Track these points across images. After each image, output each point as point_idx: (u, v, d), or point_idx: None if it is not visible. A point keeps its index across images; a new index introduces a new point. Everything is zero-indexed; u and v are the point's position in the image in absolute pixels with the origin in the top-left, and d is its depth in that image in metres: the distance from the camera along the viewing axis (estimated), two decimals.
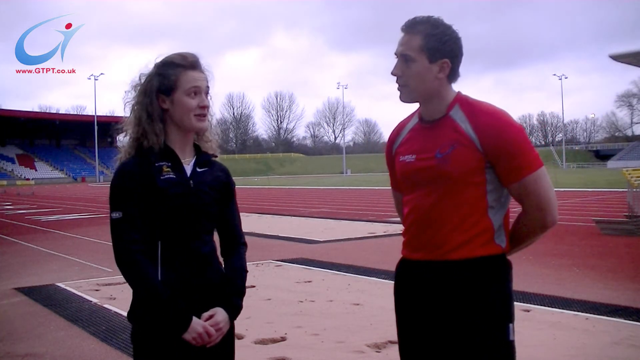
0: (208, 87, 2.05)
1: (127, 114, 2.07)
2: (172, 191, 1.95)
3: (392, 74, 1.97)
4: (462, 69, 1.98)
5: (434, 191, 1.92)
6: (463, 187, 1.88)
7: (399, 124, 2.15)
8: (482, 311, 1.85)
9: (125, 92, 2.08)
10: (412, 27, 1.93)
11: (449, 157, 1.88)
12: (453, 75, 1.96)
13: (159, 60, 2.04)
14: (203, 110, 2.01)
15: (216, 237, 2.13)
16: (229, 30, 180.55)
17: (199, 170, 2.05)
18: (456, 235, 1.88)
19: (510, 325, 1.88)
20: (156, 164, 1.97)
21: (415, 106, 2.07)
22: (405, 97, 1.98)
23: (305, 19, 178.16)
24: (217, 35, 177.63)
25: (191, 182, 2.01)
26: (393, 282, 2.13)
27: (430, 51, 1.90)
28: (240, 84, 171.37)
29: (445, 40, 1.91)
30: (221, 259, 2.13)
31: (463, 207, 1.88)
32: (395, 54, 1.97)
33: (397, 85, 1.98)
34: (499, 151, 1.84)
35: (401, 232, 2.13)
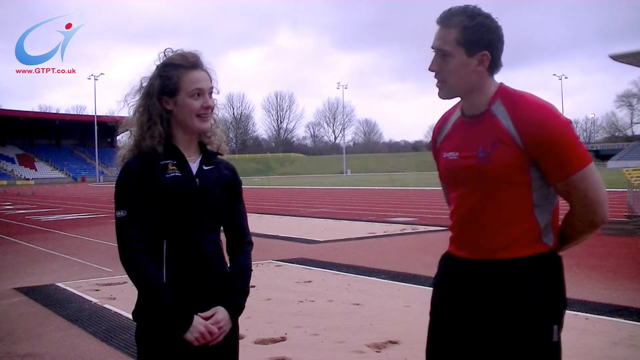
0: (212, 87, 2.04)
1: (127, 115, 2.08)
2: (177, 189, 1.96)
3: (429, 69, 1.89)
4: None
5: (476, 190, 1.85)
6: (506, 186, 1.81)
7: (443, 115, 2.08)
8: (522, 310, 1.78)
9: (126, 95, 2.08)
10: (448, 19, 1.84)
11: (490, 156, 1.80)
12: (494, 66, 1.86)
13: (159, 61, 2.05)
14: (206, 112, 2.01)
15: (222, 236, 2.13)
16: (232, 30, 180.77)
17: (205, 168, 2.06)
18: (500, 236, 1.82)
19: (555, 326, 1.80)
20: (161, 162, 1.98)
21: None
22: (445, 94, 1.91)
23: (311, 17, 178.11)
24: (221, 35, 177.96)
25: (197, 180, 2.01)
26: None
27: (468, 44, 1.81)
28: (242, 84, 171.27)
29: (483, 32, 1.81)
30: (227, 257, 2.13)
31: (506, 208, 1.81)
32: (432, 48, 1.89)
33: (435, 82, 1.90)
34: (542, 148, 1.75)
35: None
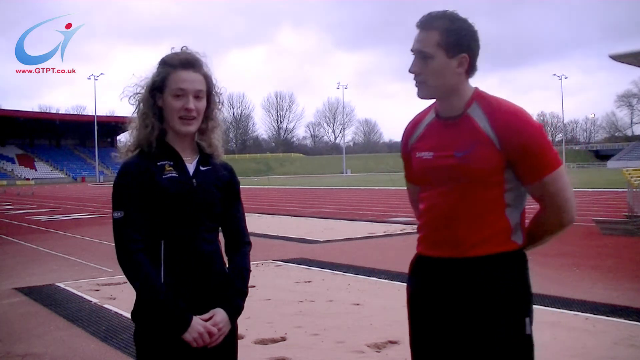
0: (202, 89, 2.01)
1: (127, 105, 2.10)
2: (174, 190, 1.96)
3: (410, 71, 1.94)
4: None
5: (452, 190, 1.90)
6: (482, 186, 1.87)
7: (415, 117, 2.13)
8: (497, 305, 1.84)
9: (134, 85, 2.08)
10: (429, 23, 1.90)
11: (468, 156, 1.86)
12: (471, 70, 1.93)
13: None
14: (188, 114, 1.98)
15: (221, 236, 2.13)
16: (234, 29, 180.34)
17: (202, 169, 2.06)
18: (473, 234, 1.88)
19: (527, 319, 1.87)
20: (158, 163, 1.98)
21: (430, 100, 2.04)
22: (424, 94, 1.96)
23: (313, 16, 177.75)
24: (222, 34, 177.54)
25: (194, 180, 2.01)
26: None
27: (449, 46, 1.87)
28: (242, 84, 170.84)
29: (463, 35, 1.88)
30: (226, 258, 2.13)
31: (481, 207, 1.88)
32: (412, 50, 1.94)
33: (414, 82, 1.95)
34: (518, 150, 1.83)
35: (416, 228, 2.09)
